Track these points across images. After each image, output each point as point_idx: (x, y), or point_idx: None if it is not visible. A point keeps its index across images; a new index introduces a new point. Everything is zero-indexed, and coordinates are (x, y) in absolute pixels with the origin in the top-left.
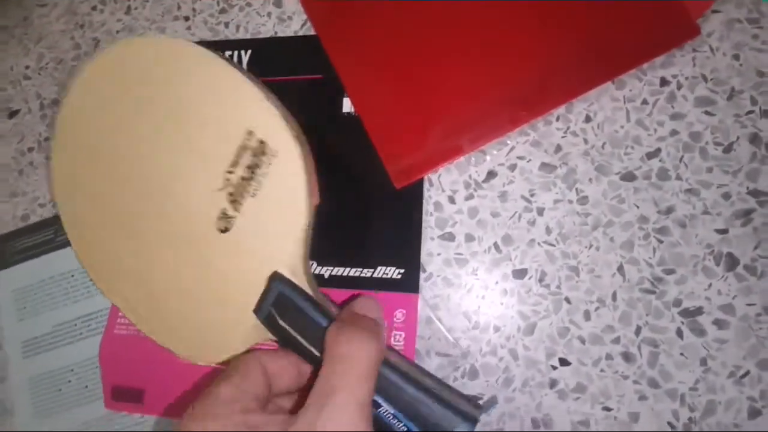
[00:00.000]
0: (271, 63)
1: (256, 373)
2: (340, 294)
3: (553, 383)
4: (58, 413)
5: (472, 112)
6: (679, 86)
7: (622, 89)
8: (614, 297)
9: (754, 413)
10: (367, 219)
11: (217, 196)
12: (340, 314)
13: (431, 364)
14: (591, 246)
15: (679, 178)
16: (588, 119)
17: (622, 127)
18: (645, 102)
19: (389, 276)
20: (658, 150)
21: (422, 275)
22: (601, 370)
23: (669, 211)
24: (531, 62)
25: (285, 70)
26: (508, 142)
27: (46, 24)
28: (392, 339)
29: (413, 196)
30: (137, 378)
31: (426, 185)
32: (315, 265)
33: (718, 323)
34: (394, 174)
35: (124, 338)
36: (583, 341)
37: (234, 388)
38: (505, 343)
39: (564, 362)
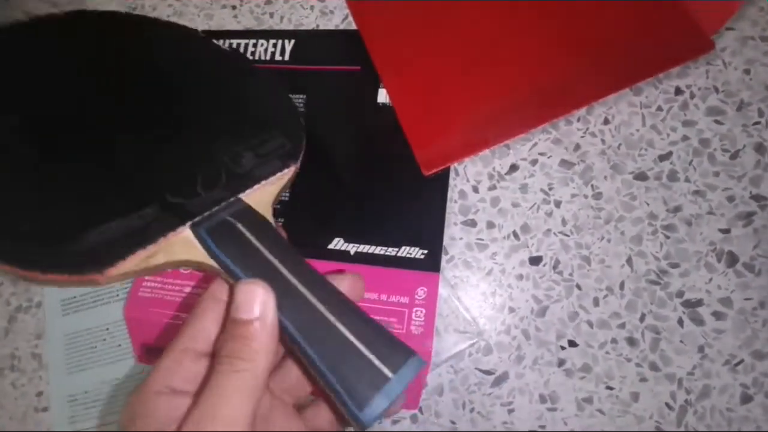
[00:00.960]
0: (312, 53)
1: (184, 358)
2: (366, 270)
3: (561, 362)
4: (91, 368)
5: (500, 108)
6: (692, 96)
7: (639, 96)
8: (622, 286)
9: (746, 399)
10: (396, 202)
11: None
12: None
13: (449, 340)
14: (603, 238)
15: (687, 180)
16: (606, 121)
17: (637, 130)
18: (660, 108)
19: (413, 256)
20: (670, 153)
21: (444, 257)
22: (606, 353)
23: (677, 209)
24: (558, 66)
25: (325, 60)
26: (531, 138)
27: (99, 6)
28: (413, 314)
29: (439, 184)
30: (164, 338)
31: (452, 174)
32: (342, 241)
33: (717, 315)
34: (422, 162)
35: (148, 300)
36: (591, 325)
37: (162, 379)
38: (519, 323)
39: (572, 344)
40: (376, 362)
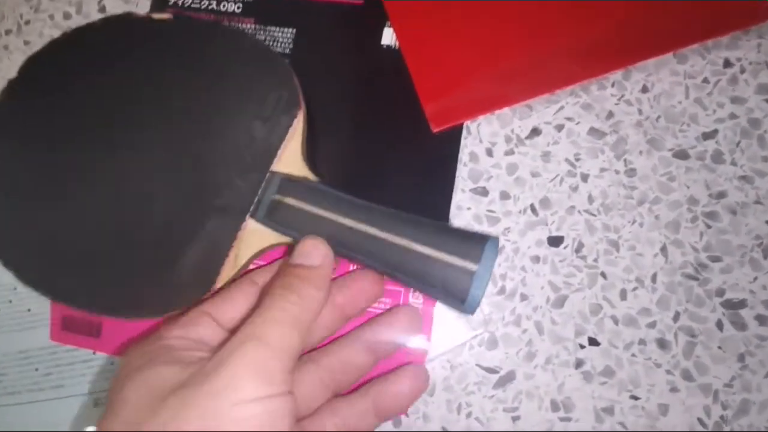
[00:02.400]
0: None
1: (203, 319)
2: None
3: (579, 363)
4: None
5: (526, 59)
6: (743, 70)
7: (683, 64)
8: (654, 278)
9: None
10: (397, 161)
11: None
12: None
13: (446, 329)
14: (634, 221)
15: (734, 163)
16: (645, 89)
17: (679, 102)
18: (706, 81)
19: None
20: (715, 131)
21: None
22: (633, 355)
23: (720, 195)
24: (595, 18)
25: None
26: (558, 100)
27: None
28: (410, 296)
29: (449, 143)
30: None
31: (464, 133)
32: None
33: (761, 319)
34: (431, 115)
35: None
36: (616, 321)
37: (180, 330)
38: (531, 314)
39: (593, 342)
40: (459, 262)
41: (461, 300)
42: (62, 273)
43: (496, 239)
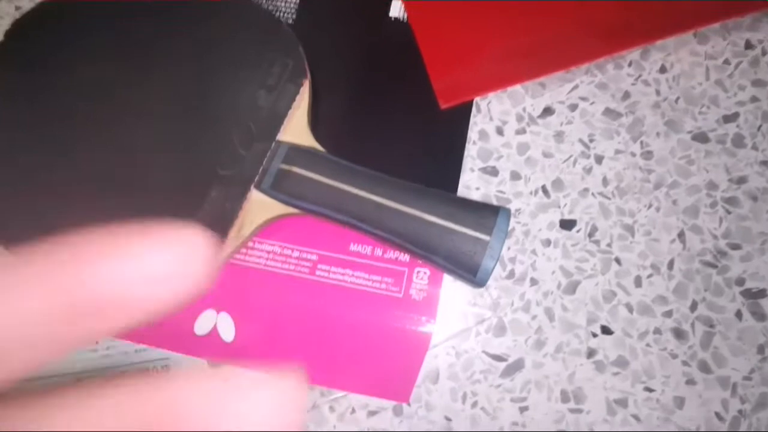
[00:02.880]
0: None
1: None
2: None
3: (591, 353)
4: None
5: (539, 35)
6: (764, 52)
7: (704, 44)
8: (671, 265)
9: None
10: (403, 137)
11: None
12: None
13: (452, 313)
14: (651, 206)
15: (755, 147)
16: (663, 70)
17: (699, 84)
18: (727, 62)
19: None
20: (736, 114)
21: None
22: (647, 345)
23: (741, 181)
24: None
25: None
26: (572, 78)
27: None
28: (414, 276)
29: (458, 120)
30: None
31: (473, 110)
32: None
33: None
34: (440, 91)
35: None
36: (630, 309)
37: None
38: (542, 299)
39: (606, 330)
40: (471, 233)
41: (473, 272)
42: None
43: (508, 210)
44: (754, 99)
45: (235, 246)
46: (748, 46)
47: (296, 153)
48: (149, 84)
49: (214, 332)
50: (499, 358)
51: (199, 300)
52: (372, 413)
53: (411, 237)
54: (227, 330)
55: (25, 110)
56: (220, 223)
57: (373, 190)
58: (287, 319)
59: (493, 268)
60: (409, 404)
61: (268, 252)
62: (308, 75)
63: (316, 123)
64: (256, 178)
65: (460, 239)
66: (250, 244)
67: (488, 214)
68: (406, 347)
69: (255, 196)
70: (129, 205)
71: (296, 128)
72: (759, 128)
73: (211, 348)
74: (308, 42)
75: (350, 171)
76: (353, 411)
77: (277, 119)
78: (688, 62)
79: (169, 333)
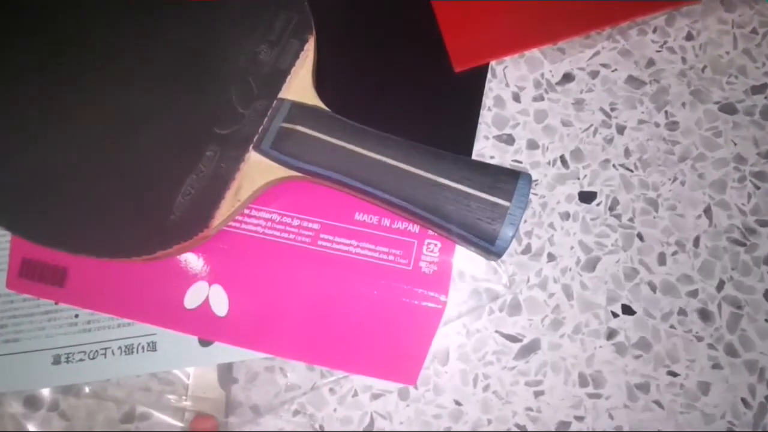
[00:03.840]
0: None
1: None
2: None
3: (611, 334)
4: None
5: None
6: None
7: (731, 12)
8: (696, 242)
9: None
10: (415, 100)
11: None
12: None
13: (464, 289)
14: (675, 179)
15: None
16: (690, 37)
17: (727, 53)
18: (755, 31)
19: None
20: (765, 86)
21: None
22: (671, 327)
23: None
24: None
25: None
26: (593, 44)
27: None
28: (424, 248)
29: (472, 84)
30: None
31: (489, 75)
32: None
33: None
34: (454, 53)
35: None
36: (653, 288)
37: None
38: (560, 276)
39: (627, 310)
40: (489, 197)
41: (491, 240)
42: (30, 204)
43: (529, 176)
44: None
45: (231, 211)
46: None
47: (300, 111)
48: (143, 36)
49: (205, 306)
50: (513, 338)
51: (190, 271)
52: (376, 396)
53: (423, 202)
54: (220, 304)
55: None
56: (215, 185)
57: (382, 151)
58: (285, 292)
59: (513, 236)
60: (416, 387)
61: (267, 220)
62: (314, 31)
63: (321, 83)
64: (256, 138)
65: (477, 204)
66: (247, 210)
67: (508, 179)
68: (414, 325)
69: (254, 158)
70: (121, 167)
71: (300, 87)
72: None
73: (202, 323)
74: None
75: (358, 131)
76: (355, 393)
77: (280, 76)
78: (716, 30)
79: (157, 306)
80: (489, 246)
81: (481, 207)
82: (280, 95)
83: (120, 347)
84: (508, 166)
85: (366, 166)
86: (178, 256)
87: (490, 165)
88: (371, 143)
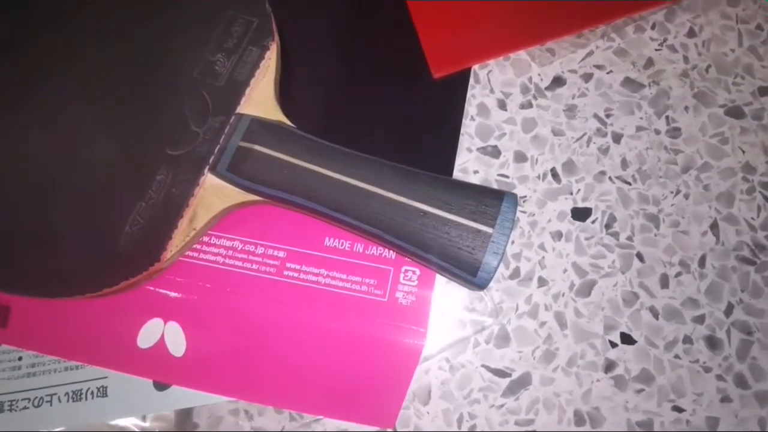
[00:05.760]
0: None
1: None
2: None
3: (609, 366)
4: None
5: None
6: None
7: (735, 6)
8: (702, 262)
9: None
10: (390, 112)
11: None
12: None
13: (446, 320)
14: (678, 192)
15: None
16: (692, 33)
17: (732, 50)
18: (760, 27)
19: None
20: None
21: None
22: (676, 357)
23: None
24: None
25: None
26: (586, 44)
27: None
28: (401, 276)
29: (453, 92)
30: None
31: (471, 81)
32: None
33: None
34: (433, 58)
35: None
36: (655, 314)
37: None
38: (552, 303)
39: (627, 339)
40: (469, 223)
41: (472, 271)
42: None
43: (514, 196)
44: None
45: (186, 241)
46: None
47: (259, 128)
48: (84, 48)
49: (160, 345)
50: (501, 373)
51: (144, 307)
52: None
53: (397, 229)
54: (176, 343)
55: None
56: (167, 213)
57: (351, 172)
58: (248, 329)
59: (497, 266)
60: (395, 429)
61: (228, 248)
62: (276, 37)
63: (286, 94)
64: (212, 159)
65: (456, 231)
66: (206, 238)
67: (491, 201)
68: (390, 362)
69: (210, 181)
70: (60, 194)
71: (260, 100)
72: None
73: (157, 364)
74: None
75: (323, 149)
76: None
77: (238, 89)
78: (719, 26)
79: (107, 347)
80: (471, 278)
81: (460, 234)
82: (238, 110)
83: (67, 393)
84: (494, 181)
85: (333, 189)
86: (129, 292)
87: (471, 185)
88: (339, 164)
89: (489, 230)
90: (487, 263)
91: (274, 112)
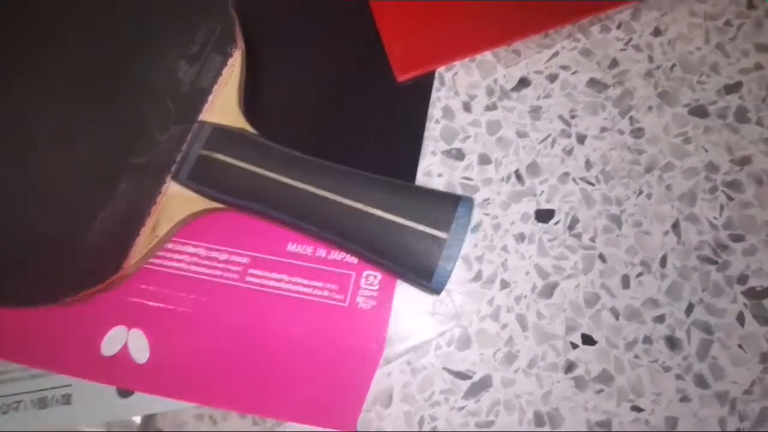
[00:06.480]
0: None
1: None
2: None
3: (570, 367)
4: None
5: None
6: None
7: (703, 2)
8: (663, 262)
9: None
10: (353, 116)
11: None
12: None
13: (407, 323)
14: (641, 192)
15: (760, 123)
16: (657, 32)
17: (698, 48)
18: (729, 24)
19: None
20: (739, 84)
21: None
22: (636, 357)
23: (744, 162)
24: None
25: None
26: (552, 44)
27: None
28: (362, 281)
29: (417, 95)
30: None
31: (436, 83)
32: None
33: None
34: (396, 61)
35: None
36: (616, 315)
37: None
38: (514, 305)
39: (588, 340)
40: (424, 229)
41: (426, 276)
42: None
43: (470, 200)
44: (759, 66)
45: (148, 248)
46: (751, 6)
47: (221, 136)
48: (46, 56)
49: (124, 352)
50: (462, 375)
51: (107, 315)
52: None
53: (352, 235)
54: (140, 350)
55: None
56: (129, 222)
57: (310, 179)
58: (211, 335)
59: (451, 271)
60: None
61: (192, 255)
62: (241, 43)
63: (251, 101)
64: (174, 167)
65: (411, 237)
66: (171, 245)
67: (446, 206)
68: (350, 366)
69: (173, 189)
70: (19, 202)
71: (223, 108)
72: (764, 100)
73: (121, 371)
74: (244, 4)
75: (283, 157)
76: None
77: (200, 96)
78: (686, 23)
79: (71, 354)
80: (425, 282)
81: (415, 240)
82: (201, 118)
83: (33, 400)
84: (458, 185)
85: (292, 197)
86: (93, 300)
87: (427, 190)
88: (296, 171)
89: (443, 235)
90: (441, 268)
91: (236, 120)
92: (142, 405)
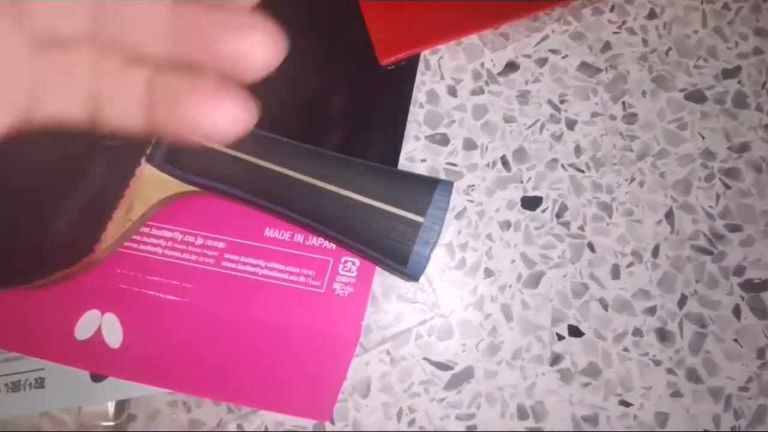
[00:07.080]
0: None
1: None
2: None
3: (555, 359)
4: None
5: None
6: None
7: None
8: (656, 252)
9: None
10: (336, 101)
11: None
12: None
13: (388, 311)
14: (633, 179)
15: (759, 108)
16: (652, 15)
17: (695, 32)
18: (726, 7)
19: None
20: (738, 69)
21: None
22: (625, 350)
23: (743, 149)
24: None
25: None
26: (541, 27)
27: None
28: (340, 267)
29: (401, 79)
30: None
31: (420, 67)
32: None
33: None
34: (380, 44)
35: None
36: (605, 306)
37: None
38: (498, 294)
39: (575, 332)
40: (400, 212)
41: (402, 261)
42: None
43: (449, 183)
44: (758, 51)
45: (121, 232)
46: None
47: None
48: None
49: (97, 337)
50: (443, 366)
51: (81, 298)
52: None
53: (327, 219)
54: (113, 334)
55: None
56: (101, 205)
57: (286, 163)
58: (186, 320)
59: (429, 256)
60: (332, 422)
61: (168, 239)
62: None
63: None
64: (148, 150)
65: (387, 221)
66: (147, 229)
67: (422, 189)
68: (326, 355)
69: (148, 172)
70: None
71: None
72: (764, 85)
73: (94, 356)
74: None
75: (259, 140)
76: (266, 430)
77: None
78: (682, 6)
79: (44, 338)
80: (401, 267)
81: (391, 224)
82: None
83: (6, 384)
84: (441, 170)
85: (268, 180)
86: (66, 283)
87: (405, 174)
88: (274, 155)
89: (419, 219)
90: (417, 253)
91: None
92: (115, 390)
